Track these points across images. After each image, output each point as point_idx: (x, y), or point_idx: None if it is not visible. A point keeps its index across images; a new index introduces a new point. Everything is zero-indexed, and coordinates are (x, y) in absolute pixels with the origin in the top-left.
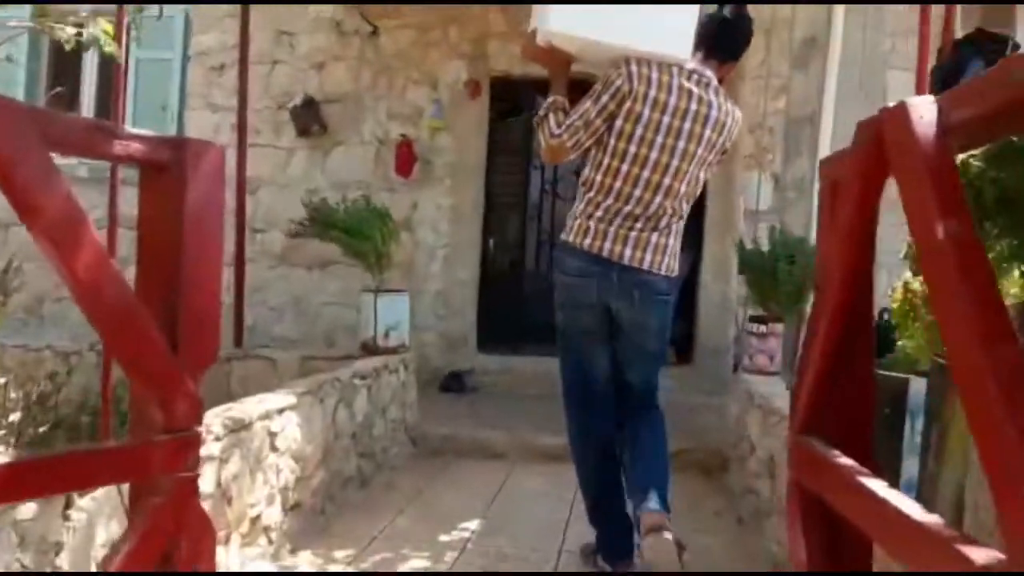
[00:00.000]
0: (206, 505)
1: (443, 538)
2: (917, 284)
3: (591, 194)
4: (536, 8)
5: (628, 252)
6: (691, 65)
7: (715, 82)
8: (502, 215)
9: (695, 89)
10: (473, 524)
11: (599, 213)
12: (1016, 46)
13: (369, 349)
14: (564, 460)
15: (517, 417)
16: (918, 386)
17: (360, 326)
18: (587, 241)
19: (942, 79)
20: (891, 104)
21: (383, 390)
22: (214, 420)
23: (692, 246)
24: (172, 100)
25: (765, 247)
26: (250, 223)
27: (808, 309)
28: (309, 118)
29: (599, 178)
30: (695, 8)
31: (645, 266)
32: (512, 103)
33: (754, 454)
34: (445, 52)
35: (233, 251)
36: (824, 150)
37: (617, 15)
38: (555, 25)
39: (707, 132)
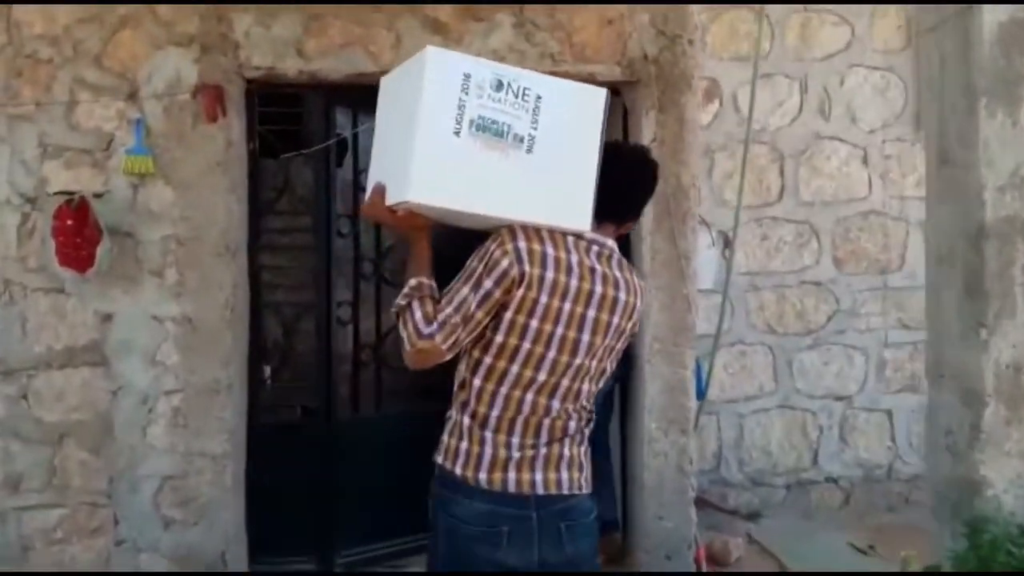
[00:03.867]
0: None
1: None
2: None
3: (473, 404)
4: (375, 160)
5: (539, 477)
6: (589, 235)
7: (617, 253)
8: (286, 323)
9: (598, 266)
10: None
11: (488, 432)
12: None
13: None
14: None
15: None
16: None
17: None
18: (483, 475)
19: None
20: None
21: None
22: None
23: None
24: None
25: None
26: None
27: None
28: None
29: (480, 383)
30: (593, 169)
31: (565, 489)
32: (291, 124)
33: None
34: (149, 35)
35: None
36: None
37: (501, 182)
38: (418, 197)
39: (615, 319)
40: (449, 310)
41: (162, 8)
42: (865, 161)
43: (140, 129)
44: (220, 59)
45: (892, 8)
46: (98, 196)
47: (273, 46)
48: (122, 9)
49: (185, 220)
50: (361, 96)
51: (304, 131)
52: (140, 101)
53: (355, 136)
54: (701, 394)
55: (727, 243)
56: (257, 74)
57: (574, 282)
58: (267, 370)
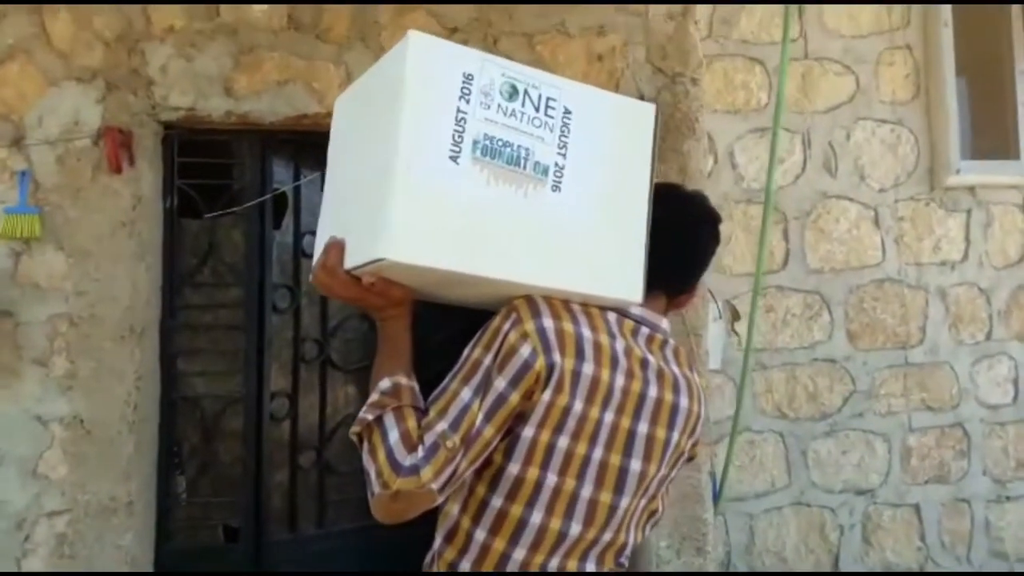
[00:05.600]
0: None
1: None
2: None
3: (468, 567)
4: (327, 208)
5: None
6: (636, 311)
7: (672, 340)
8: (206, 421)
9: (651, 357)
10: None
11: None
12: None
13: None
14: None
15: None
16: None
17: None
18: None
19: None
20: None
21: None
22: None
23: None
24: None
25: None
26: None
27: None
28: None
29: (484, 538)
30: (643, 217)
31: None
32: (217, 177)
33: None
34: (42, 68)
35: None
36: None
37: (516, 232)
38: (398, 254)
39: (674, 435)
40: (443, 426)
41: (58, 36)
42: (877, 223)
43: (26, 182)
44: (129, 98)
45: (899, 56)
46: None
47: (195, 83)
48: (9, 37)
49: (80, 295)
50: (303, 143)
51: (234, 185)
52: (26, 148)
53: (296, 191)
54: (715, 498)
55: (734, 315)
56: (175, 116)
57: (620, 380)
58: (181, 482)
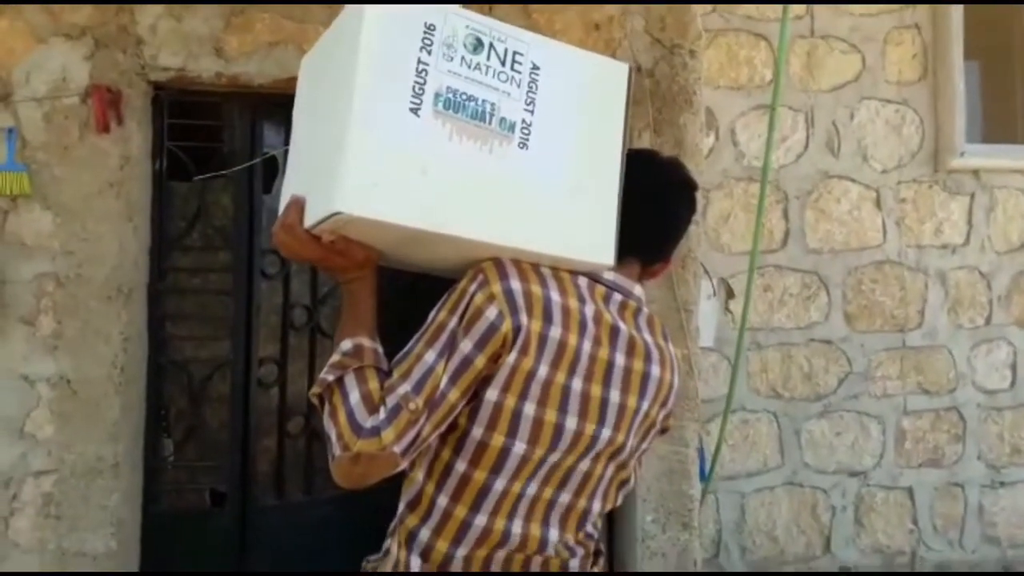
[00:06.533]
0: None
1: None
2: None
3: (429, 537)
4: (291, 168)
5: None
6: (608, 276)
7: (646, 307)
8: (193, 385)
9: (622, 324)
10: None
11: None
12: None
13: None
14: None
15: None
16: None
17: None
18: None
19: None
20: None
21: None
22: None
23: None
24: None
25: None
26: None
27: None
28: None
29: (447, 504)
30: (615, 178)
31: None
32: (207, 139)
33: None
34: (30, 24)
35: None
36: None
37: (480, 189)
38: (354, 207)
39: (644, 404)
40: (405, 388)
41: None
42: (878, 204)
43: (13, 140)
44: (118, 56)
45: (907, 36)
46: None
47: (185, 43)
48: None
49: (67, 255)
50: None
51: (224, 148)
52: (14, 106)
53: (287, 155)
54: (703, 476)
55: (729, 293)
56: (165, 76)
57: (587, 346)
58: (168, 445)
